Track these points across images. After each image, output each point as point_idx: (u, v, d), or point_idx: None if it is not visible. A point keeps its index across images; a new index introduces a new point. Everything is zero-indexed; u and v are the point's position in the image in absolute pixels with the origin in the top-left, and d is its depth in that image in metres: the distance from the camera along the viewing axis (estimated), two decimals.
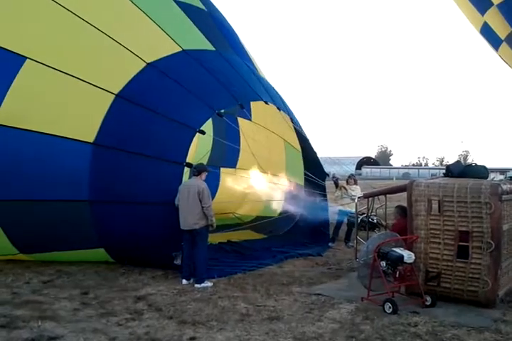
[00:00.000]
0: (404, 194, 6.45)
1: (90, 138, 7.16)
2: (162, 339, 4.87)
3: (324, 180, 10.32)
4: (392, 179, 51.38)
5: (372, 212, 8.32)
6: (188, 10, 8.83)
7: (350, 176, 10.79)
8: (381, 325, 5.24)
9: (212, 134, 10.60)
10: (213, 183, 11.93)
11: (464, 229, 5.86)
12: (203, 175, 7.23)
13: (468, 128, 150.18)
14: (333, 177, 10.86)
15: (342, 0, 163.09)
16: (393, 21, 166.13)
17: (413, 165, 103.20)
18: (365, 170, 70.62)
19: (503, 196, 5.77)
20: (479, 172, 6.58)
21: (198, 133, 7.54)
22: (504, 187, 5.83)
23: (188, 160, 7.43)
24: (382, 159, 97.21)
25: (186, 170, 7.47)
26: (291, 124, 10.10)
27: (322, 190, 10.07)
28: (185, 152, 7.35)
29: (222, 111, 8.23)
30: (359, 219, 7.84)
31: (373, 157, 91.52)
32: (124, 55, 7.56)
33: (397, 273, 5.88)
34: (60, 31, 7.52)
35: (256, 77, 9.38)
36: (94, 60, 7.48)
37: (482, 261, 5.75)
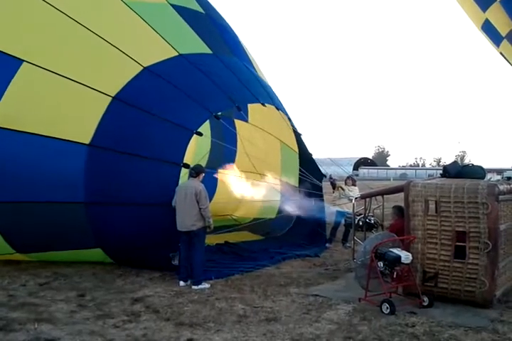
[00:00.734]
0: (402, 194, 6.45)
1: (86, 139, 7.16)
2: None
3: (321, 181, 10.32)
4: (390, 180, 51.48)
5: (369, 212, 8.33)
6: (185, 14, 8.87)
7: (349, 177, 10.80)
8: (378, 326, 5.24)
9: (210, 136, 10.58)
10: (211, 185, 11.93)
11: (461, 229, 5.87)
12: (201, 177, 7.22)
13: (465, 128, 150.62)
14: (330, 178, 10.86)
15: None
16: (390, 22, 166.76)
17: (410, 165, 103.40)
18: (363, 171, 70.70)
19: (500, 196, 5.78)
20: (476, 172, 6.59)
21: (195, 135, 7.54)
22: (501, 187, 5.84)
23: (187, 161, 7.44)
24: (379, 160, 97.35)
25: (185, 171, 7.46)
26: (289, 125, 10.11)
27: (319, 191, 10.07)
28: (183, 153, 7.34)
29: (220, 113, 8.23)
30: (356, 220, 7.84)
31: (370, 158, 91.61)
32: (120, 59, 7.60)
33: (395, 273, 5.88)
34: (57, 35, 7.55)
35: (254, 79, 9.38)
36: (91, 64, 7.52)
37: (479, 261, 5.75)
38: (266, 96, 9.11)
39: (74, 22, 7.53)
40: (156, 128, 7.37)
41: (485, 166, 7.08)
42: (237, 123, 11.06)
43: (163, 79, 7.67)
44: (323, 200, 10.14)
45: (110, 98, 7.30)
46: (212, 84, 8.11)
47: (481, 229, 5.73)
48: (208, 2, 10.24)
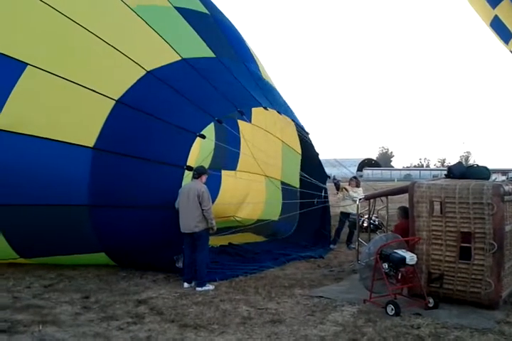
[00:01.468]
0: (406, 195, 6.43)
1: (90, 142, 7.20)
2: None
3: (325, 183, 10.31)
4: (394, 180, 51.36)
5: (373, 213, 8.30)
6: (190, 16, 8.91)
7: (352, 178, 10.77)
8: (384, 327, 5.21)
9: (214, 137, 10.61)
10: (215, 186, 11.95)
11: (466, 230, 5.84)
12: (203, 178, 7.22)
13: (470, 129, 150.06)
14: (334, 179, 10.85)
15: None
16: (394, 21, 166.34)
17: (414, 166, 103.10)
18: (367, 172, 70.48)
19: (505, 197, 5.75)
20: (481, 173, 6.56)
21: (198, 138, 7.54)
22: (506, 188, 5.81)
23: (191, 164, 7.44)
24: (383, 161, 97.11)
25: (188, 173, 7.47)
26: (293, 127, 10.10)
27: (322, 192, 10.05)
28: (186, 155, 7.36)
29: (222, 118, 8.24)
30: (361, 221, 7.82)
31: (374, 158, 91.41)
32: (124, 63, 7.65)
33: (400, 274, 5.85)
34: (61, 38, 7.61)
35: (256, 83, 9.39)
36: (95, 67, 7.56)
37: (485, 262, 5.72)
38: (267, 101, 9.11)
39: (78, 26, 7.59)
40: (160, 131, 7.40)
41: (490, 167, 7.06)
42: (240, 123, 11.07)
43: (165, 83, 7.74)
44: (327, 202, 10.12)
45: (114, 101, 7.35)
46: (214, 89, 8.16)
47: (486, 229, 5.70)
48: (214, 5, 10.26)
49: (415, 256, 5.86)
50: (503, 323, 5.35)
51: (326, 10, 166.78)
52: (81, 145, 7.18)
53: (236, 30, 10.37)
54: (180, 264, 7.26)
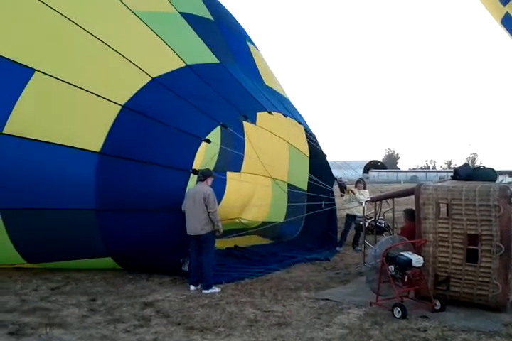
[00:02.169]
0: (412, 197, 6.41)
1: (97, 147, 7.26)
2: None
3: (332, 185, 10.30)
4: (400, 182, 51.20)
5: (380, 216, 8.28)
6: (194, 22, 8.98)
7: (359, 180, 10.75)
8: (390, 330, 5.20)
9: (219, 140, 10.64)
10: (220, 188, 11.96)
11: (472, 232, 5.82)
12: (209, 181, 7.24)
13: (476, 130, 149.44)
14: (339, 181, 10.83)
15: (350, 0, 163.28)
16: (399, 22, 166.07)
17: (421, 168, 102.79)
18: (373, 174, 70.30)
19: None
20: (487, 174, 6.53)
21: (204, 143, 7.59)
22: None
23: (196, 167, 7.47)
24: (389, 162, 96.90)
25: (193, 177, 7.49)
26: (301, 130, 10.10)
27: (330, 195, 10.04)
28: (192, 159, 7.39)
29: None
30: (367, 223, 7.80)
31: (380, 160, 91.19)
32: (129, 69, 7.73)
33: (406, 277, 5.83)
34: (68, 44, 7.69)
35: (259, 88, 9.42)
36: (101, 73, 7.64)
37: (492, 264, 5.69)
38: (271, 105, 9.14)
39: (84, 31, 7.67)
40: (165, 135, 7.46)
41: (496, 168, 7.02)
42: (246, 126, 11.08)
43: (170, 90, 7.80)
44: (334, 204, 10.11)
45: (120, 107, 7.42)
46: (219, 95, 8.22)
47: (493, 231, 5.67)
48: (220, 8, 10.29)
49: (422, 258, 5.84)
50: (511, 326, 5.32)
51: (333, 12, 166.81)
52: (88, 150, 7.24)
53: (239, 35, 10.38)
54: (186, 267, 7.27)
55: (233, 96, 8.37)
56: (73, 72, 7.47)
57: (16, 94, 7.22)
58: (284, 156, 11.14)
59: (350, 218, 10.29)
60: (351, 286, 7.13)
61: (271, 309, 5.98)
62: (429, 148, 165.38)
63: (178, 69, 8.14)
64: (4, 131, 7.18)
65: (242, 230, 10.35)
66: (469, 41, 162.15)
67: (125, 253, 7.54)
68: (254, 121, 10.38)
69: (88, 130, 7.36)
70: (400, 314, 5.56)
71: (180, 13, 8.88)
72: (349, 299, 6.37)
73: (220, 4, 10.58)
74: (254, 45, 10.81)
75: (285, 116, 9.39)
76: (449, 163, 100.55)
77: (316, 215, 9.65)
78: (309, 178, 10.12)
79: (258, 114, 9.80)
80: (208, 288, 6.80)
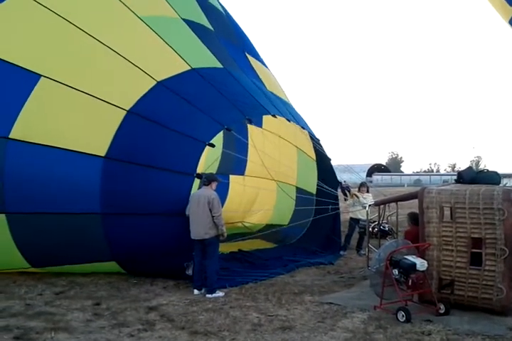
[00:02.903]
0: (416, 201, 6.41)
1: (102, 152, 7.32)
2: None
3: (337, 189, 10.31)
4: (404, 186, 51.06)
5: (383, 219, 8.28)
6: (197, 29, 9.08)
7: (363, 184, 10.75)
8: (394, 334, 5.19)
9: (222, 143, 10.67)
10: (223, 191, 11.98)
11: (476, 235, 5.81)
12: (213, 185, 7.27)
13: (480, 133, 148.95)
14: (342, 184, 10.83)
15: (357, 5, 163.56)
16: (402, 26, 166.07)
17: (424, 171, 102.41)
18: (376, 177, 70.06)
19: None
20: (491, 178, 6.52)
21: (207, 147, 7.62)
22: None
23: (198, 169, 7.51)
24: (393, 166, 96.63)
25: (197, 181, 7.52)
26: (306, 134, 10.13)
27: (335, 199, 10.05)
28: (196, 163, 7.43)
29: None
30: (371, 227, 7.80)
31: (384, 164, 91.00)
32: (134, 74, 7.78)
33: (410, 281, 5.82)
34: (74, 50, 7.77)
35: (263, 92, 9.47)
36: (107, 78, 7.71)
37: (496, 268, 5.68)
38: (275, 110, 9.18)
39: (89, 37, 7.75)
40: (170, 140, 7.51)
41: (500, 172, 7.01)
42: (250, 129, 11.09)
43: (176, 93, 7.84)
44: (338, 208, 10.11)
45: (125, 112, 7.48)
46: (224, 97, 8.26)
47: (497, 235, 5.67)
48: (219, 19, 10.35)
49: (426, 262, 5.84)
50: None
51: (335, 15, 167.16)
52: (93, 155, 7.30)
53: (238, 46, 10.45)
54: (190, 271, 7.29)
55: (238, 100, 8.41)
56: (78, 77, 7.55)
57: (22, 99, 7.32)
58: (293, 160, 11.17)
59: (354, 222, 10.28)
60: (355, 290, 7.12)
61: (275, 313, 5.98)
62: (433, 151, 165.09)
63: (183, 73, 8.18)
64: (10, 136, 7.27)
65: (246, 234, 10.37)
66: (473, 44, 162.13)
67: (129, 257, 7.56)
68: (260, 124, 10.41)
69: (93, 135, 7.42)
70: (404, 318, 5.55)
71: (183, 19, 8.97)
72: (353, 303, 6.37)
73: (221, 14, 10.63)
74: (252, 56, 10.88)
75: (288, 120, 9.42)
76: (453, 167, 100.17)
77: (321, 219, 9.65)
78: (318, 184, 10.15)
79: (264, 117, 9.82)
80: (211, 292, 6.80)
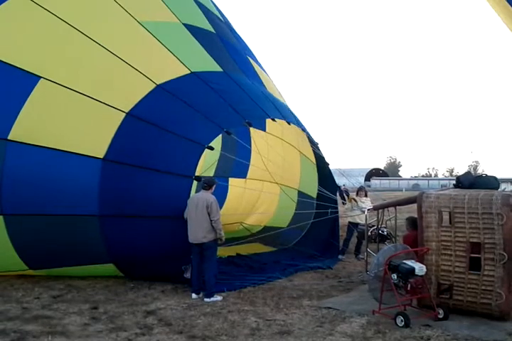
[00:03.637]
0: (415, 205, 6.41)
1: (100, 153, 7.32)
2: None
3: (336, 193, 10.31)
4: (402, 190, 51.11)
5: (382, 224, 8.27)
6: (197, 33, 9.11)
7: (361, 188, 10.76)
8: (393, 339, 5.17)
9: (220, 145, 10.67)
10: (222, 194, 11.97)
11: (475, 240, 5.80)
12: (213, 188, 7.26)
13: (478, 138, 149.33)
14: (341, 189, 10.82)
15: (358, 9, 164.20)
16: (401, 28, 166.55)
17: (422, 176, 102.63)
18: (374, 182, 70.20)
19: None
20: (490, 182, 6.53)
21: (206, 149, 7.61)
22: None
23: (197, 172, 7.51)
24: (391, 170, 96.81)
25: (194, 184, 7.52)
26: (305, 137, 10.14)
27: (334, 203, 10.04)
28: (194, 166, 7.44)
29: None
30: (369, 232, 7.79)
31: (382, 168, 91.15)
32: (134, 77, 7.80)
33: (409, 285, 5.81)
34: (73, 52, 7.78)
35: (263, 95, 9.48)
36: (106, 81, 7.73)
37: (495, 273, 5.67)
38: (277, 112, 9.19)
39: (89, 40, 7.77)
40: (169, 142, 7.52)
41: (499, 176, 7.02)
42: (253, 132, 11.08)
43: (175, 96, 7.85)
44: (337, 212, 10.09)
45: (124, 114, 7.49)
46: (224, 101, 8.27)
47: (496, 240, 5.66)
48: (220, 20, 10.41)
49: (424, 266, 5.83)
50: None
51: (333, 18, 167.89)
52: (91, 157, 7.30)
53: (241, 49, 10.50)
54: (188, 275, 7.26)
55: (238, 103, 8.41)
56: (78, 79, 7.56)
57: (22, 100, 7.32)
58: (296, 163, 11.16)
59: (353, 226, 10.28)
60: (354, 295, 7.10)
61: (273, 317, 5.97)
62: (431, 155, 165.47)
63: (182, 76, 8.21)
64: (9, 138, 7.27)
65: (244, 238, 10.35)
66: (472, 48, 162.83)
67: (126, 259, 7.54)
68: (263, 128, 10.42)
69: (92, 136, 7.42)
70: (403, 323, 5.54)
71: (183, 24, 9.00)
72: (352, 307, 6.35)
73: (223, 18, 10.69)
74: (253, 60, 10.92)
75: (289, 123, 9.42)
76: (451, 171, 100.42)
77: (320, 223, 9.63)
78: (318, 189, 10.15)
79: (267, 120, 9.83)
80: (210, 296, 6.78)
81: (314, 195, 10.54)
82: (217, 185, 7.58)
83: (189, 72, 8.32)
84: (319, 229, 10.18)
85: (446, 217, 6.05)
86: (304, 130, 9.96)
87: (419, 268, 5.75)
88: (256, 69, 10.54)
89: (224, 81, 8.72)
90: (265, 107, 8.96)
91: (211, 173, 11.43)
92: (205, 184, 7.20)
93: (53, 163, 7.31)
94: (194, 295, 6.91)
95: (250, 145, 11.17)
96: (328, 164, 10.41)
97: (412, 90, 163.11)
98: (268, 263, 9.18)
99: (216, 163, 11.89)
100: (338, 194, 10.70)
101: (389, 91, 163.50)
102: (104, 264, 7.60)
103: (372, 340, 5.17)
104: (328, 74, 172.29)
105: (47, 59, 7.62)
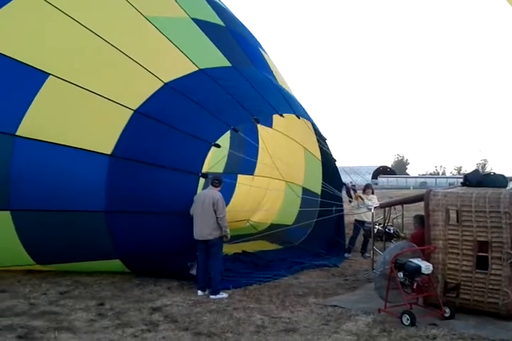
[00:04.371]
0: (422, 203, 6.37)
1: (108, 150, 7.36)
2: None
3: (341, 190, 10.27)
4: (409, 188, 50.86)
5: (388, 222, 8.24)
6: (206, 28, 9.09)
7: (368, 186, 10.71)
8: (399, 338, 5.16)
9: (228, 143, 10.66)
10: (228, 191, 11.98)
11: (482, 239, 5.77)
12: (221, 185, 7.29)
13: (487, 136, 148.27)
14: (348, 185, 10.78)
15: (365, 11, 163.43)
16: (410, 24, 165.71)
17: (430, 174, 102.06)
18: (382, 180, 69.87)
19: None
20: (498, 181, 6.49)
21: (213, 147, 7.63)
22: None
23: (203, 169, 7.52)
24: (398, 168, 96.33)
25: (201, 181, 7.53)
26: (312, 132, 10.10)
27: (339, 201, 10.01)
28: (201, 163, 7.46)
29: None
30: (375, 230, 7.77)
31: (390, 166, 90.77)
32: (142, 74, 7.84)
33: (415, 284, 5.79)
34: (82, 49, 7.82)
35: (274, 89, 9.43)
36: (114, 78, 7.77)
37: (502, 271, 5.63)
38: (286, 106, 9.15)
39: (97, 37, 7.80)
40: (176, 139, 7.55)
41: (507, 174, 6.96)
42: (260, 128, 11.07)
43: (182, 94, 7.88)
44: (342, 210, 10.07)
45: (132, 111, 7.54)
46: (232, 98, 8.26)
47: (503, 238, 5.62)
48: (229, 14, 10.40)
49: (431, 265, 5.80)
50: None
51: (339, 17, 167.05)
52: (99, 153, 7.34)
53: (253, 40, 10.47)
54: (194, 271, 7.28)
55: (246, 99, 8.39)
56: (86, 76, 7.62)
57: (30, 97, 7.38)
58: (301, 160, 11.14)
59: (359, 224, 10.25)
60: (360, 293, 7.09)
61: (279, 315, 5.97)
62: (439, 153, 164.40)
63: (191, 74, 8.22)
64: (17, 133, 7.32)
65: (250, 235, 10.36)
66: (479, 47, 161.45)
67: (133, 255, 7.58)
68: (270, 124, 10.39)
69: (100, 133, 7.47)
70: (409, 321, 5.52)
71: (192, 19, 8.99)
72: (357, 306, 6.34)
73: (231, 12, 10.67)
74: (265, 52, 10.88)
75: (298, 117, 9.38)
76: (459, 169, 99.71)
77: (325, 221, 9.61)
78: (322, 185, 10.11)
79: (274, 116, 9.81)
80: (215, 293, 6.79)
81: (319, 192, 10.52)
82: (224, 182, 7.61)
83: (197, 69, 8.32)
84: (325, 227, 10.15)
85: (453, 215, 6.01)
86: (313, 124, 9.92)
87: (426, 267, 5.72)
88: (269, 62, 10.48)
89: (233, 76, 8.69)
90: (274, 101, 8.89)
91: (220, 170, 11.44)
92: (216, 180, 7.22)
93: (61, 158, 7.37)
94: (200, 292, 6.93)
95: (257, 141, 11.17)
96: (336, 160, 10.37)
97: (421, 88, 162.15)
98: (274, 261, 9.18)
99: (226, 159, 11.91)
100: (344, 191, 10.66)
101: (398, 89, 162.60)
102: (110, 260, 7.64)
103: (377, 339, 5.15)
104: (336, 72, 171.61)
105: (56, 56, 7.66)
